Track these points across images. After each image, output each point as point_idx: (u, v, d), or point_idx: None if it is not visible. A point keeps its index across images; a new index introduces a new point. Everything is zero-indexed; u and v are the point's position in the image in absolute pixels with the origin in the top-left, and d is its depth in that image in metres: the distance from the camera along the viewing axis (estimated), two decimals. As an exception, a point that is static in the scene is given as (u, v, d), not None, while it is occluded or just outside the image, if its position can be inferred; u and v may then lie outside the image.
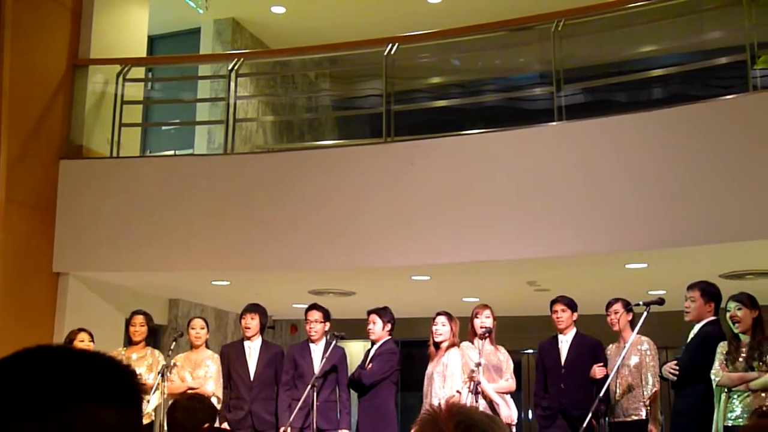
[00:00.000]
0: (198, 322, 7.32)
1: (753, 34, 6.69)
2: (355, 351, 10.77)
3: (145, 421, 6.77)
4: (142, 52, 9.46)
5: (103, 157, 8.35)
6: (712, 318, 6.00)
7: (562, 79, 7.29)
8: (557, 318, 6.87)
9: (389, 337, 7.06)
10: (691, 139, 6.62)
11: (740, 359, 5.56)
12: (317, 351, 7.09)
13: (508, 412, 6.66)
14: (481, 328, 6.64)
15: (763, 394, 5.43)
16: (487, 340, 6.64)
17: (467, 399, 6.23)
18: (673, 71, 8.44)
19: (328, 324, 7.21)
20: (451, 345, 6.70)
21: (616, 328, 6.74)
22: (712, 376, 5.63)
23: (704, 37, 8.27)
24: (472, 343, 6.75)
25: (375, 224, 7.35)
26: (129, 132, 8.72)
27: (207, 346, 7.33)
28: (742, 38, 6.78)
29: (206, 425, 3.22)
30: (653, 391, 6.48)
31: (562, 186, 6.90)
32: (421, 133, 7.89)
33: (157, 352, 7.26)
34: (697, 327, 6.06)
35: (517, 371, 7.31)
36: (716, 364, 5.65)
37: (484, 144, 7.43)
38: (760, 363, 5.47)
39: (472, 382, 6.32)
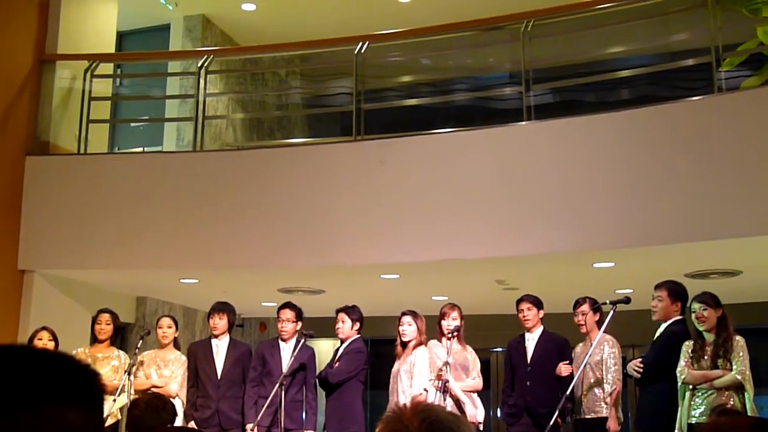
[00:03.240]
0: (165, 321, 7.29)
1: (718, 37, 6.78)
2: (324, 349, 10.76)
3: (111, 420, 6.73)
4: (110, 48, 9.38)
5: (70, 153, 8.27)
6: (679, 317, 6.08)
7: (531, 79, 7.34)
8: (523, 317, 6.90)
9: (358, 335, 7.06)
10: (658, 139, 6.69)
11: (705, 357, 5.64)
12: (287, 349, 7.07)
13: (474, 411, 6.69)
14: (449, 328, 6.66)
15: (726, 392, 5.51)
16: (455, 338, 6.67)
17: (435, 397, 6.25)
18: (640, 72, 8.52)
19: (299, 323, 7.21)
20: (418, 343, 6.73)
21: (584, 330, 6.78)
22: (678, 374, 5.71)
23: (671, 39, 8.37)
24: (440, 342, 6.77)
25: (344, 222, 7.35)
26: (97, 128, 8.64)
27: (176, 345, 7.29)
28: (707, 41, 6.87)
29: (167, 425, 3.20)
30: (614, 388, 6.54)
31: (530, 185, 6.95)
32: (392, 132, 7.90)
33: (122, 352, 7.20)
34: (663, 326, 6.14)
35: (486, 370, 7.36)
36: (682, 362, 5.72)
37: (454, 143, 7.45)
38: (724, 361, 5.55)
39: (440, 381, 6.34)
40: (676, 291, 6.10)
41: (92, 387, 1.11)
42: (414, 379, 6.59)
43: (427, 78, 10.41)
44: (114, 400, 6.54)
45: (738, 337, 5.62)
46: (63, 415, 1.05)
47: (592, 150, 6.88)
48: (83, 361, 1.13)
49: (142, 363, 7.08)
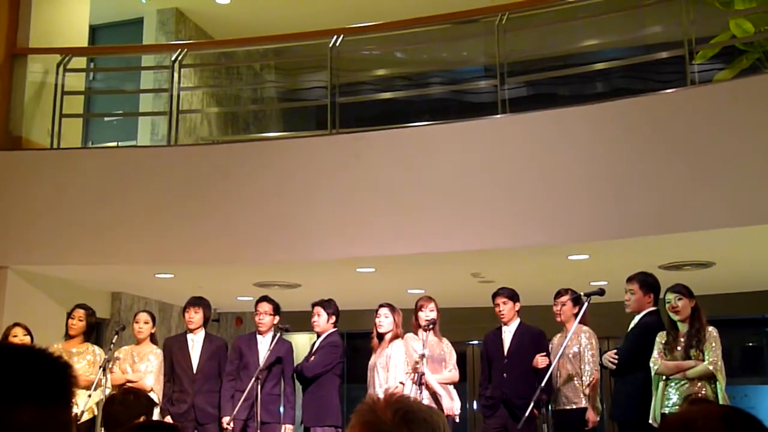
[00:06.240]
0: (142, 316, 7.25)
1: (691, 30, 6.83)
2: (301, 343, 10.75)
3: (88, 416, 6.69)
4: (83, 41, 9.29)
5: (43, 148, 8.19)
6: (652, 308, 6.13)
7: (506, 72, 7.36)
8: (499, 311, 6.93)
9: (334, 329, 7.07)
10: (631, 132, 6.73)
11: (678, 348, 5.69)
12: (264, 343, 7.07)
13: (450, 403, 6.72)
14: (425, 320, 6.67)
15: (699, 382, 5.57)
16: (431, 331, 6.68)
17: (411, 390, 6.26)
18: (614, 65, 8.57)
19: (277, 317, 7.20)
20: (395, 336, 6.74)
21: (559, 318, 6.83)
22: (651, 365, 5.76)
23: (645, 32, 8.42)
24: (416, 334, 6.78)
25: (320, 216, 7.34)
26: (70, 123, 8.57)
27: (153, 340, 7.25)
28: (680, 34, 6.91)
29: (141, 418, 3.19)
30: (592, 379, 6.59)
31: (505, 178, 6.97)
32: (367, 126, 7.90)
33: (97, 348, 7.15)
34: (637, 317, 6.19)
35: (462, 362, 7.37)
36: (655, 353, 5.77)
37: (429, 136, 7.46)
38: (697, 351, 5.61)
39: (416, 374, 6.36)
40: (647, 282, 6.15)
41: (54, 382, 1.07)
42: (390, 372, 6.61)
43: (401, 71, 10.41)
44: (89, 396, 6.51)
45: (710, 328, 5.68)
46: (12, 416, 1.02)
47: (567, 143, 6.91)
48: (51, 354, 1.09)
49: (117, 359, 7.04)
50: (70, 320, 7.03)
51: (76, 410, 6.47)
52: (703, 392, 5.50)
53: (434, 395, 6.64)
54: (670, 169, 6.50)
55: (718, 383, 5.53)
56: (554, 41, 8.79)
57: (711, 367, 5.52)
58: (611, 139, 6.78)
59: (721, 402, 5.40)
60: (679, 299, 5.76)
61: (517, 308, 6.95)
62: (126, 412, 3.23)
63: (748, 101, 6.43)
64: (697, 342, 5.63)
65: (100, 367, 6.65)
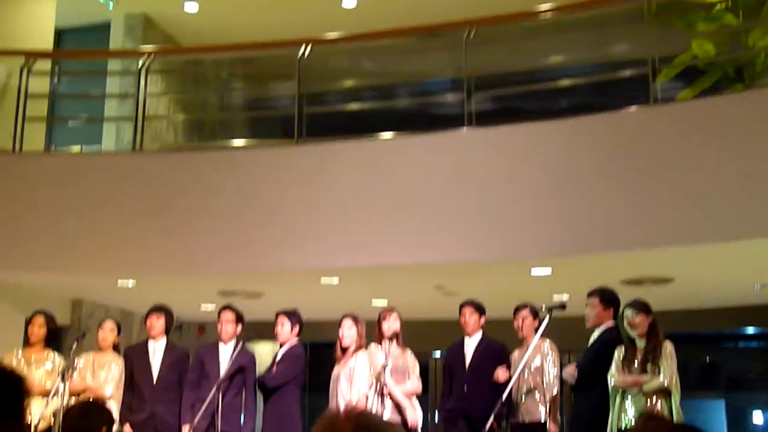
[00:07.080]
0: (108, 324, 7.16)
1: (654, 50, 6.93)
2: (264, 353, 10.69)
3: (44, 425, 6.59)
4: (48, 44, 9.21)
5: (4, 151, 8.09)
6: (611, 323, 6.19)
7: (472, 86, 7.41)
8: (464, 321, 6.95)
9: (297, 339, 7.04)
10: (595, 148, 6.82)
11: (635, 363, 5.76)
12: (226, 352, 7.01)
13: (414, 415, 6.72)
14: (392, 329, 6.69)
15: (655, 397, 5.63)
16: (395, 342, 6.69)
17: (374, 401, 6.26)
18: (580, 82, 8.67)
19: (240, 326, 7.14)
20: (358, 348, 6.73)
21: (521, 333, 6.86)
22: (609, 379, 5.82)
23: (610, 50, 8.54)
24: (379, 345, 6.79)
25: (285, 226, 7.33)
26: (33, 126, 8.47)
27: (116, 349, 7.17)
28: (644, 53, 7.02)
29: (102, 429, 3.16)
30: (554, 392, 6.64)
31: (470, 191, 7.01)
32: (333, 136, 7.91)
33: (57, 355, 7.05)
34: (597, 332, 6.25)
35: (425, 374, 7.38)
36: (613, 367, 5.83)
37: (395, 148, 7.49)
38: (653, 366, 5.68)
39: (379, 384, 6.36)
40: (607, 298, 6.22)
41: (7, 396, 1.07)
42: (354, 384, 6.59)
43: (369, 83, 10.44)
44: (47, 404, 6.42)
45: (666, 343, 5.76)
46: None
47: (531, 158, 6.98)
48: (3, 370, 1.09)
49: (77, 366, 6.94)
50: (29, 327, 6.93)
51: (31, 418, 6.38)
52: (658, 407, 5.57)
53: (398, 406, 6.63)
54: (632, 185, 6.59)
55: (672, 397, 5.60)
56: (521, 57, 8.88)
57: (666, 382, 5.60)
58: (575, 155, 6.86)
59: (675, 417, 5.48)
60: (637, 315, 5.83)
61: (482, 321, 6.99)
62: (86, 423, 3.19)
63: (709, 120, 6.54)
64: (653, 357, 5.70)
65: (58, 374, 6.56)
